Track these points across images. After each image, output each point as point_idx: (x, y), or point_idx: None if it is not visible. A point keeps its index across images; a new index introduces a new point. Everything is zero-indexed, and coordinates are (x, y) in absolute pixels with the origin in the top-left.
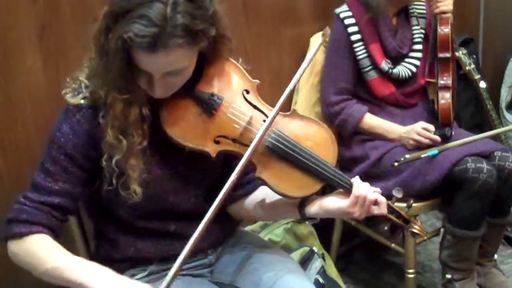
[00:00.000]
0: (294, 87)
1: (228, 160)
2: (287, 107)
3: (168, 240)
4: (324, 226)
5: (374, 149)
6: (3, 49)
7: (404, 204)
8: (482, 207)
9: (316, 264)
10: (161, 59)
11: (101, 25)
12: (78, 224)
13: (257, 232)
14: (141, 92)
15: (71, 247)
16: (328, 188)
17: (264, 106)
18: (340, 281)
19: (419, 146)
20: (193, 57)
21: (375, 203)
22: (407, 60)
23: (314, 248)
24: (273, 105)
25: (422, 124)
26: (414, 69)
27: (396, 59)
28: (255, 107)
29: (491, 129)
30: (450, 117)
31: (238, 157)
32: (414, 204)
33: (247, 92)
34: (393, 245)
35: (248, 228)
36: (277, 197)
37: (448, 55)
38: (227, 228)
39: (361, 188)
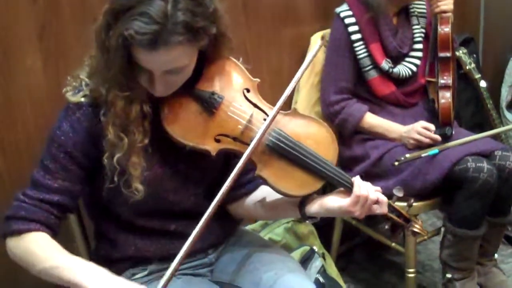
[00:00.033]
0: (295, 87)
1: (228, 158)
2: (287, 107)
3: (168, 239)
4: (324, 225)
5: (375, 148)
6: (3, 49)
7: (405, 203)
8: (482, 207)
9: (317, 263)
10: (161, 56)
11: (102, 22)
12: (78, 222)
13: (257, 231)
14: (142, 89)
15: (71, 245)
16: (328, 187)
17: (264, 105)
18: (340, 281)
19: (420, 146)
20: (194, 55)
21: (376, 202)
22: (407, 59)
23: (315, 248)
24: (273, 105)
25: (422, 123)
26: (414, 69)
27: (397, 59)
28: (255, 105)
29: (492, 128)
30: (451, 116)
31: (238, 155)
32: (414, 204)
33: (248, 91)
34: (393, 244)
35: (249, 227)
36: (277, 196)
37: (448, 54)
38: (227, 227)
39: (362, 187)
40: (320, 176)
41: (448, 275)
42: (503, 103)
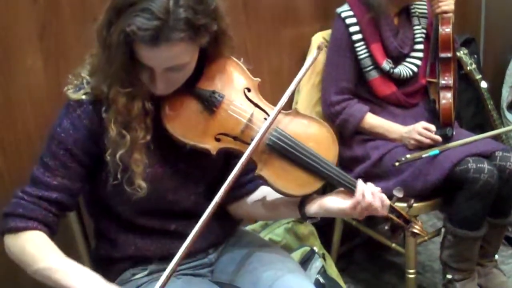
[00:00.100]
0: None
1: (228, 158)
2: (288, 107)
3: (168, 238)
4: (324, 225)
5: (375, 149)
6: (3, 49)
7: (405, 204)
8: (483, 207)
9: (317, 264)
10: (163, 53)
11: (104, 19)
12: (78, 220)
13: (257, 231)
14: (143, 86)
15: (71, 244)
16: (328, 187)
17: (265, 104)
18: (340, 281)
19: (420, 146)
20: (195, 52)
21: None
22: (408, 60)
23: (315, 248)
24: (273, 105)
25: (423, 124)
26: (415, 69)
27: (397, 59)
28: (256, 105)
29: (492, 129)
30: (451, 117)
31: (238, 154)
32: (415, 204)
33: (249, 90)
34: (393, 245)
35: (249, 227)
36: (277, 196)
37: (449, 55)
38: (227, 228)
39: (366, 194)
40: (320, 176)
41: (449, 276)
42: (504, 104)
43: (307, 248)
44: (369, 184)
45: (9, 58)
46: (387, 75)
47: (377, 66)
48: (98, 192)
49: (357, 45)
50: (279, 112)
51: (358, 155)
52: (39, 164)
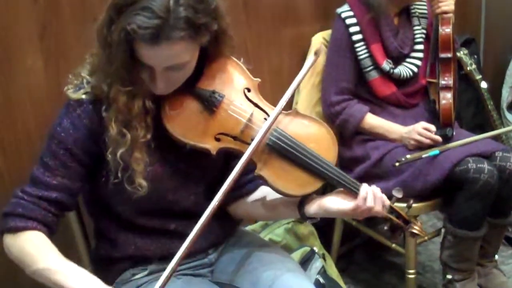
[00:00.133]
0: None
1: (228, 158)
2: (288, 107)
3: (168, 238)
4: (324, 226)
5: (375, 149)
6: (3, 49)
7: (404, 204)
8: (483, 208)
9: (317, 264)
10: (163, 51)
11: (105, 17)
12: (78, 220)
13: (257, 232)
14: (144, 84)
15: (71, 243)
16: (328, 187)
17: (265, 104)
18: (340, 281)
19: (420, 146)
20: (195, 51)
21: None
22: (408, 60)
23: (315, 248)
24: (273, 105)
25: (423, 124)
26: (415, 69)
27: (398, 59)
28: (256, 105)
29: (492, 129)
30: (451, 117)
31: (238, 154)
32: (414, 205)
33: (249, 90)
34: (393, 245)
35: (249, 227)
36: (277, 196)
37: (449, 55)
38: (227, 228)
39: (368, 199)
40: (320, 176)
41: (449, 276)
42: (504, 104)
43: (307, 248)
44: (373, 186)
45: (9, 58)
46: (387, 76)
47: (377, 67)
48: (98, 191)
49: (357, 45)
50: (279, 112)
51: (358, 155)
52: (39, 164)
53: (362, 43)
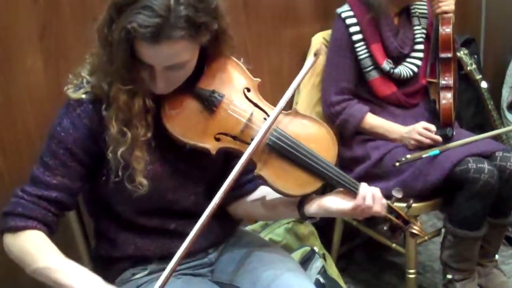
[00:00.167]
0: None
1: (228, 158)
2: (288, 107)
3: (168, 238)
4: (324, 226)
5: (375, 149)
6: (3, 49)
7: (404, 204)
8: (483, 208)
9: (317, 264)
10: (164, 50)
11: (105, 16)
12: (78, 219)
13: (258, 231)
14: (144, 83)
15: (71, 243)
16: (328, 187)
17: (265, 104)
18: (341, 281)
19: (420, 146)
20: (195, 51)
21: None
22: (408, 60)
23: (315, 248)
24: (273, 105)
25: (423, 124)
26: (415, 69)
27: (398, 59)
28: (256, 105)
29: (493, 129)
30: (452, 117)
31: (238, 154)
32: (415, 205)
33: (248, 90)
34: (394, 245)
35: (249, 227)
36: (277, 196)
37: (449, 55)
38: (227, 227)
39: (367, 198)
40: (319, 176)
41: (449, 276)
42: (504, 104)
43: (308, 248)
44: (372, 187)
45: (9, 58)
46: (387, 75)
47: (377, 66)
48: (98, 191)
49: (357, 45)
50: (279, 112)
51: (358, 155)
52: (39, 164)
53: (362, 43)
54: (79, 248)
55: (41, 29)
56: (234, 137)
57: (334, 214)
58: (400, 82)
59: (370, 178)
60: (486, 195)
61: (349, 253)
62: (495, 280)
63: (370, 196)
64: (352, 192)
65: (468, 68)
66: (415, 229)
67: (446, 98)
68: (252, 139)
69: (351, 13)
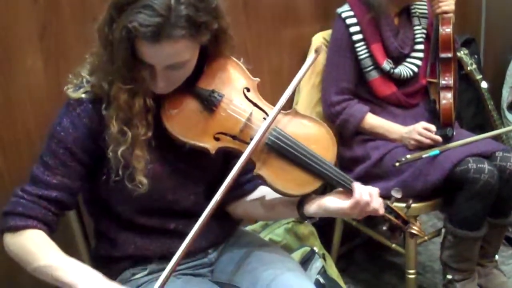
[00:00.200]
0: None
1: (228, 158)
2: (288, 107)
3: (168, 238)
4: (324, 226)
5: (375, 149)
6: (3, 49)
7: (404, 205)
8: (483, 208)
9: (317, 264)
10: (164, 50)
11: (106, 16)
12: (78, 219)
13: (257, 232)
14: (145, 83)
15: (71, 243)
16: (328, 187)
17: (264, 104)
18: (340, 281)
19: (420, 146)
20: (195, 50)
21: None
22: (408, 60)
23: (315, 248)
24: (273, 105)
25: (423, 124)
26: (415, 69)
27: (398, 59)
28: (255, 105)
29: (493, 129)
30: (452, 117)
31: (237, 154)
32: (415, 205)
33: (248, 90)
34: (393, 245)
35: (249, 228)
36: (276, 196)
37: (449, 55)
38: (227, 227)
39: (364, 194)
40: (319, 176)
41: (449, 276)
42: (504, 104)
43: (307, 248)
44: (368, 187)
45: (9, 58)
46: (388, 75)
47: (377, 66)
48: (98, 190)
49: (357, 45)
50: (278, 112)
51: (358, 155)
52: (39, 163)
53: (362, 43)
54: (79, 248)
55: (41, 29)
56: (234, 137)
57: (334, 213)
58: (400, 82)
59: (370, 178)
60: (486, 195)
61: (349, 253)
62: (495, 280)
63: (366, 192)
64: (351, 192)
65: (468, 68)
66: (415, 229)
67: (446, 98)
68: (251, 139)
69: (351, 13)
